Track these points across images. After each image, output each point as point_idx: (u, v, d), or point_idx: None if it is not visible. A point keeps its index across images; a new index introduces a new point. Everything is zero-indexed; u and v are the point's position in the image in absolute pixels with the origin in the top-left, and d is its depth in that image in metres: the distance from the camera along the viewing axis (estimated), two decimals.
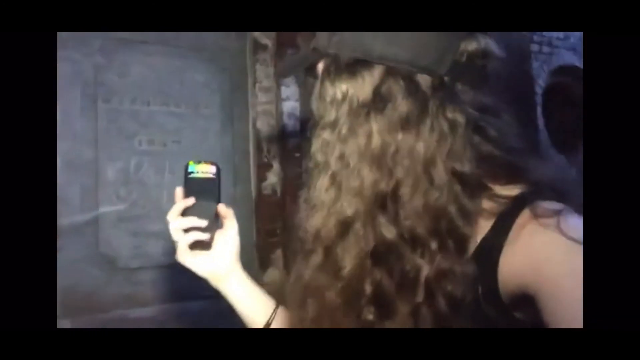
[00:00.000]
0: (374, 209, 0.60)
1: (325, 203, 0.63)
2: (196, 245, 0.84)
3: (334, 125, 0.64)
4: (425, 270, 0.60)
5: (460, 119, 0.61)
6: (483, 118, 0.64)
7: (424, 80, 0.61)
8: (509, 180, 0.65)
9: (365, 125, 0.61)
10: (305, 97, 2.49)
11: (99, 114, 1.93)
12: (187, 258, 0.83)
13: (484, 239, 0.63)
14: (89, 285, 1.84)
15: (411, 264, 0.60)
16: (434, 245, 0.60)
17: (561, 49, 3.90)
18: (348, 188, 0.61)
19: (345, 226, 0.62)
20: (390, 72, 0.61)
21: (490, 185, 0.65)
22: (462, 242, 0.61)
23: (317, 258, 0.64)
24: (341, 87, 0.63)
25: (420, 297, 0.60)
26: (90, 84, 1.92)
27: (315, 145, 0.66)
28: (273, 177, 2.35)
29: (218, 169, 0.87)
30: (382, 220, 0.60)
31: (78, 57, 1.90)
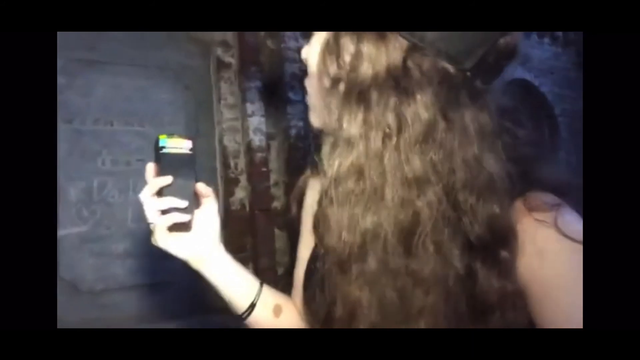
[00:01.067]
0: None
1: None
2: (175, 227, 0.78)
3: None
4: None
5: (484, 119, 0.60)
6: (503, 121, 0.63)
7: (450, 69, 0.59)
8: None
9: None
10: (270, 111, 2.50)
11: (59, 134, 1.90)
12: (166, 241, 0.78)
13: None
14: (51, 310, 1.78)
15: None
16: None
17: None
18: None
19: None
20: (415, 49, 0.58)
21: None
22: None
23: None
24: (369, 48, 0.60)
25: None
26: None
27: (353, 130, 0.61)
28: (241, 192, 2.36)
29: (194, 144, 0.79)
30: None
31: None
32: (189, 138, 0.79)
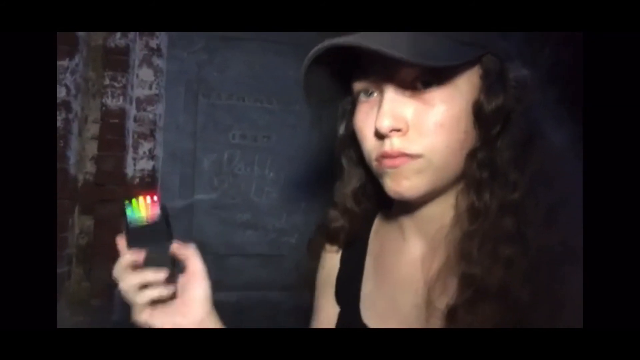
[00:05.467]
0: None
1: None
2: (158, 300, 0.71)
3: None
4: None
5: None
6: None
7: None
8: None
9: None
10: None
11: (199, 108, 2.08)
12: (150, 316, 0.71)
13: None
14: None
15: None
16: None
17: None
18: None
19: None
20: None
21: None
22: None
23: None
24: None
25: None
26: (193, 81, 2.07)
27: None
28: None
29: (163, 206, 0.73)
30: None
31: (184, 55, 2.06)
32: (154, 200, 0.72)
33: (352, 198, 0.79)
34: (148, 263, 0.70)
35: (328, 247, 0.85)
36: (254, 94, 2.08)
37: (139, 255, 0.70)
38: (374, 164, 0.66)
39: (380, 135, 0.64)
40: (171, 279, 0.71)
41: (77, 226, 2.06)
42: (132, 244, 0.71)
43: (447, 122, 0.62)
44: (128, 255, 0.70)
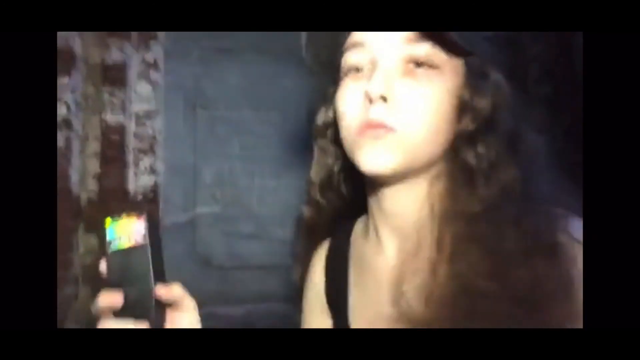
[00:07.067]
0: None
1: None
2: None
3: None
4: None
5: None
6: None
7: None
8: None
9: None
10: None
11: (198, 120, 2.06)
12: None
13: None
14: (184, 281, 2.04)
15: None
16: None
17: None
18: None
19: None
20: None
21: None
22: None
23: None
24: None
25: None
26: (191, 93, 2.06)
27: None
28: None
29: (150, 222, 0.63)
30: None
31: (180, 67, 2.04)
32: (140, 217, 0.62)
33: (319, 189, 0.80)
34: (128, 312, 0.61)
35: (313, 257, 0.85)
36: (252, 104, 2.08)
37: (115, 299, 0.61)
38: (353, 137, 0.67)
39: (365, 103, 0.65)
40: (156, 327, 0.62)
41: (82, 245, 2.05)
42: (111, 275, 0.62)
43: (430, 103, 0.64)
44: (104, 298, 0.62)
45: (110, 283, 0.63)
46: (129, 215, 0.63)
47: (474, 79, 0.66)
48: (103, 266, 0.65)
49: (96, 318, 0.64)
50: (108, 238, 0.63)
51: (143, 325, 0.61)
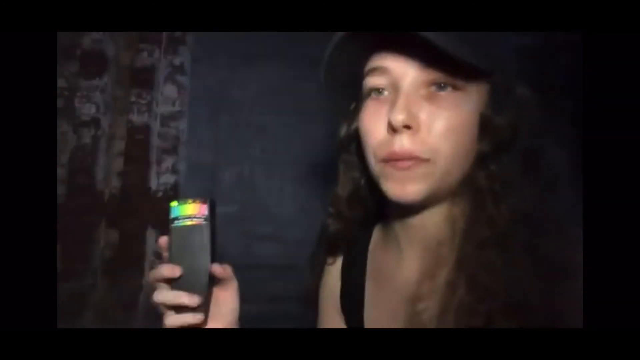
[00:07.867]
0: None
1: None
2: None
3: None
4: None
5: None
6: None
7: None
8: None
9: None
10: None
11: (220, 123, 2.12)
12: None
13: None
14: None
15: None
16: None
17: None
18: None
19: None
20: None
21: None
22: None
23: None
24: None
25: None
26: (216, 97, 2.12)
27: None
28: None
29: (211, 208, 0.70)
30: None
31: (206, 71, 2.12)
32: (204, 202, 0.70)
33: (346, 203, 0.79)
34: (184, 285, 0.67)
35: (329, 261, 0.86)
36: (274, 109, 2.13)
37: (174, 271, 0.67)
38: (379, 164, 0.66)
39: (389, 132, 0.63)
40: (203, 306, 0.67)
41: (103, 239, 2.11)
42: (172, 249, 0.68)
43: (457, 127, 0.61)
44: (165, 268, 0.68)
45: (170, 256, 0.68)
46: (194, 200, 0.69)
47: (498, 95, 0.63)
48: (163, 240, 0.69)
49: (151, 284, 0.68)
50: (172, 215, 0.68)
51: (195, 300, 0.66)
